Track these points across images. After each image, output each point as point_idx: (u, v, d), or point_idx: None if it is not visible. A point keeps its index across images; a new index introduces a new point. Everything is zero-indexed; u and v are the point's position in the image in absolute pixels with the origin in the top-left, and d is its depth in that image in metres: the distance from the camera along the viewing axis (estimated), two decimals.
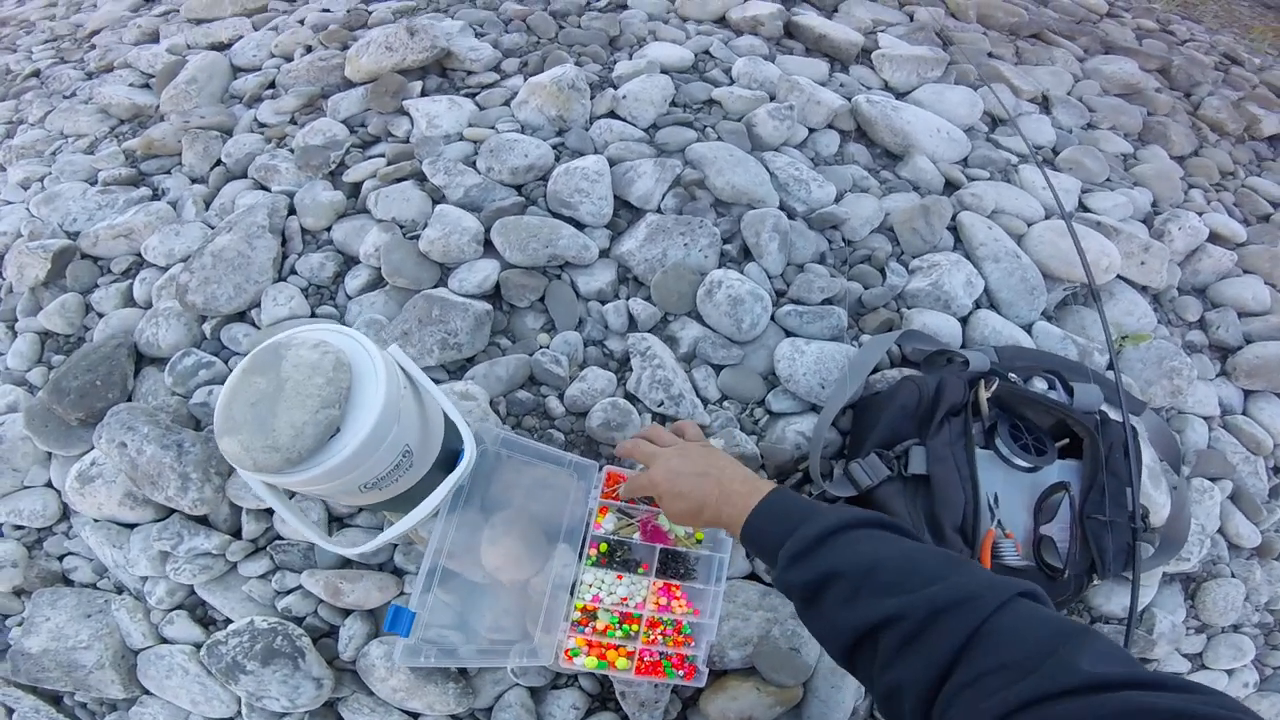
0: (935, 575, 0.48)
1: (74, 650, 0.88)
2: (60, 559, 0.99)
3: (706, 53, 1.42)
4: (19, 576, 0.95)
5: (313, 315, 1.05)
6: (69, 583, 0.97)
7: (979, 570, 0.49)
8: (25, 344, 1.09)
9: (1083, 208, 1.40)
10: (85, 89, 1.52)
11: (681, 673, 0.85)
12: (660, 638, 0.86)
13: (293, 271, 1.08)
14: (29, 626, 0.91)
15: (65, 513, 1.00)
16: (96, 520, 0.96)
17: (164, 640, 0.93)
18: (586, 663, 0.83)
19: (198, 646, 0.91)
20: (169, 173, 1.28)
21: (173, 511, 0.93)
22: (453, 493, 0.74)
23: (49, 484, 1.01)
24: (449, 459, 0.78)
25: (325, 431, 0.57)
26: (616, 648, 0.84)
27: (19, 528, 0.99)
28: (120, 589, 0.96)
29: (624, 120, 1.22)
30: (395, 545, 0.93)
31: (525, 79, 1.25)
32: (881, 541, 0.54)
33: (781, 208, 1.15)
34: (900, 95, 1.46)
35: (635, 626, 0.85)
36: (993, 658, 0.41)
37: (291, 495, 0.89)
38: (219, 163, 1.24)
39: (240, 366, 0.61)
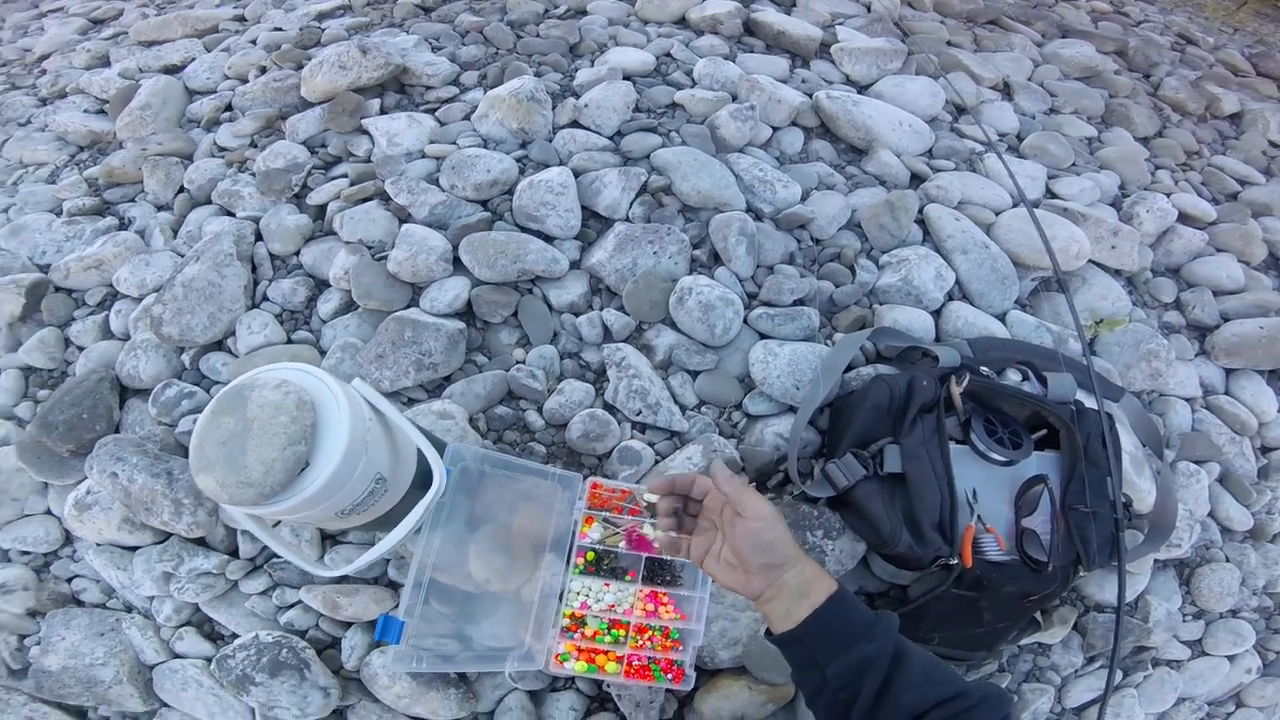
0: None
1: (91, 667, 0.91)
2: (69, 581, 1.00)
3: (668, 55, 1.41)
4: (31, 599, 0.98)
5: (288, 341, 1.05)
6: (79, 603, 0.99)
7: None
8: (9, 380, 1.08)
9: (1050, 194, 1.41)
10: (40, 116, 1.49)
11: (670, 676, 0.87)
12: (648, 643, 0.87)
13: (265, 298, 1.08)
14: (46, 646, 0.94)
15: (68, 537, 1.01)
16: (99, 544, 0.98)
17: (176, 655, 0.95)
18: (576, 667, 0.85)
19: (208, 660, 0.93)
20: (133, 200, 1.26)
21: (171, 534, 0.95)
22: (432, 511, 0.75)
23: (48, 512, 1.02)
24: (427, 479, 0.79)
25: (294, 467, 0.60)
26: (605, 652, 0.87)
27: (25, 553, 1.01)
28: (129, 608, 0.98)
29: (587, 129, 1.21)
30: (388, 560, 0.94)
31: (485, 92, 1.24)
32: None
33: (748, 210, 1.16)
34: (862, 89, 1.47)
35: (623, 632, 0.87)
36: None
37: (276, 523, 0.89)
38: (182, 189, 1.23)
39: (209, 408, 0.63)
